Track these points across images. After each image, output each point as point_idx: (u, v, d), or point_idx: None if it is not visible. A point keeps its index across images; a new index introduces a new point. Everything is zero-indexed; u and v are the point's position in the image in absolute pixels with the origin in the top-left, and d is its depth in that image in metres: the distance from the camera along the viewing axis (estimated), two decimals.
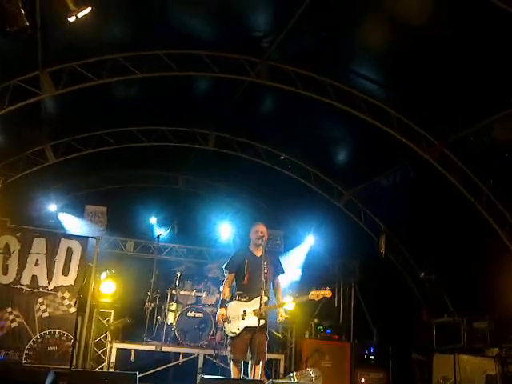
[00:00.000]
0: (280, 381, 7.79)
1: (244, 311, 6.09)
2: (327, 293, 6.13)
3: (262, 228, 6.38)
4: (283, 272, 6.52)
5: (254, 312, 6.00)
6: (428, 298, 10.22)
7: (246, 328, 6.04)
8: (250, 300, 6.12)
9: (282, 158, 10.85)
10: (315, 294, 6.10)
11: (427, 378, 9.23)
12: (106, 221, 10.52)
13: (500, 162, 8.09)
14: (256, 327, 5.82)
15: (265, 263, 6.07)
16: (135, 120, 10.16)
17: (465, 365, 8.34)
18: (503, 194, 8.45)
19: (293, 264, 11.22)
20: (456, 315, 8.80)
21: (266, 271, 6.05)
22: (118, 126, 10.25)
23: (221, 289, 9.49)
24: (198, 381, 8.37)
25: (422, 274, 7.42)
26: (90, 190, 12.20)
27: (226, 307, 6.15)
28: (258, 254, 6.33)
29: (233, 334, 6.09)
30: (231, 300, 6.24)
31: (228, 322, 6.12)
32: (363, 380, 9.76)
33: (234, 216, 11.95)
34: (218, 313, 6.21)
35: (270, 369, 9.35)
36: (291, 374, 8.34)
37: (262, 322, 5.93)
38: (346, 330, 10.95)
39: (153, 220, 11.33)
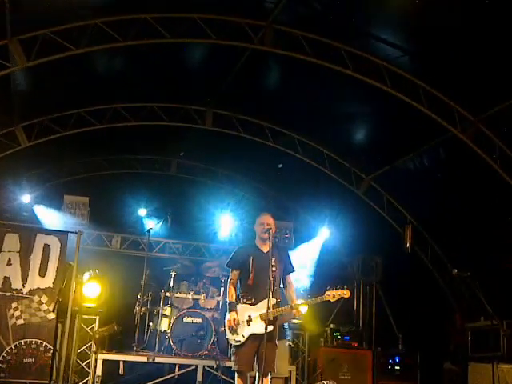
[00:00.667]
0: None
1: (249, 316, 6.08)
2: (345, 293, 6.10)
3: (268, 219, 6.34)
4: (293, 270, 6.49)
5: (261, 317, 5.98)
6: (462, 299, 10.21)
7: (252, 335, 6.02)
8: (256, 303, 6.09)
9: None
10: (331, 295, 6.06)
11: None
12: (88, 213, 10.52)
13: None
14: (263, 334, 5.78)
15: (273, 260, 6.03)
16: (120, 96, 10.15)
17: (505, 375, 8.31)
18: None
19: (304, 261, 11.23)
20: (495, 318, 8.78)
21: (274, 269, 6.00)
22: (100, 103, 10.26)
23: (222, 291, 9.58)
24: None
25: (455, 271, 7.37)
26: (69, 177, 12.24)
27: (236, 310, 6.13)
28: (265, 249, 6.31)
29: (237, 342, 6.08)
30: (229, 311, 6.20)
31: (232, 329, 6.10)
32: None
33: (236, 206, 12.02)
34: (227, 317, 6.16)
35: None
36: None
37: (270, 327, 5.89)
38: (367, 336, 11.01)
39: (142, 212, 11.39)
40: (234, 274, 6.35)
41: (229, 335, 6.16)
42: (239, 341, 6.07)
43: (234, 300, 6.22)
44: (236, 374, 6.12)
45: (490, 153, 8.60)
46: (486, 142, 8.60)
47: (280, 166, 11.19)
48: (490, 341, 8.93)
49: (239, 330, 6.08)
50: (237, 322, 6.06)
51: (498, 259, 9.38)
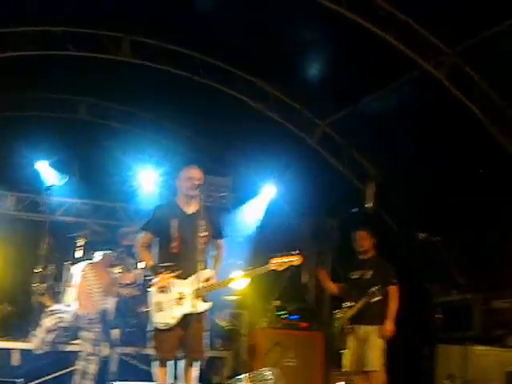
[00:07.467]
0: None
1: (181, 292, 6.04)
2: (294, 259, 6.14)
3: (196, 172, 6.30)
4: (222, 236, 6.49)
5: (196, 293, 5.94)
6: (430, 269, 10.41)
7: (185, 316, 5.98)
8: (185, 276, 6.05)
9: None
10: (277, 263, 6.11)
11: (428, 377, 9.46)
12: None
13: None
14: (196, 314, 5.82)
15: (202, 223, 5.98)
16: (13, 18, 9.89)
17: (478, 359, 8.52)
18: None
19: (245, 225, 11.29)
20: (469, 292, 9.01)
21: (203, 234, 5.96)
22: None
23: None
24: None
25: (422, 235, 7.51)
26: None
27: (163, 272, 6.04)
28: (189, 210, 6.30)
29: (166, 325, 6.03)
30: (155, 274, 6.16)
31: (158, 310, 6.07)
32: None
33: (161, 158, 11.98)
34: (156, 281, 6.08)
35: (212, 371, 9.48)
36: (241, 377, 8.42)
37: (207, 305, 5.99)
38: (319, 315, 11.13)
39: (42, 164, 11.29)
40: (146, 237, 6.31)
41: (157, 318, 6.08)
42: (168, 323, 6.01)
43: (153, 263, 6.18)
44: (156, 363, 6.11)
45: (468, 92, 8.76)
46: (465, 80, 8.75)
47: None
48: (462, 318, 9.14)
49: (168, 311, 6.04)
50: (171, 283, 6.01)
51: (475, 225, 9.55)
